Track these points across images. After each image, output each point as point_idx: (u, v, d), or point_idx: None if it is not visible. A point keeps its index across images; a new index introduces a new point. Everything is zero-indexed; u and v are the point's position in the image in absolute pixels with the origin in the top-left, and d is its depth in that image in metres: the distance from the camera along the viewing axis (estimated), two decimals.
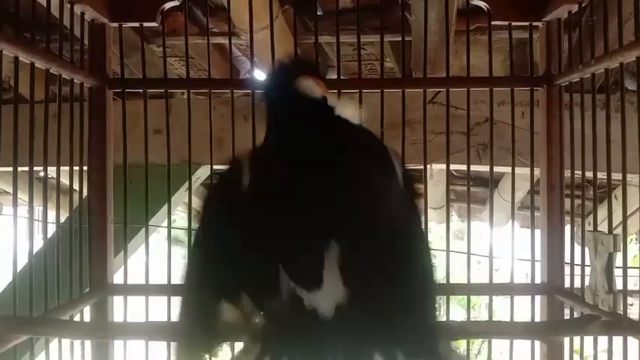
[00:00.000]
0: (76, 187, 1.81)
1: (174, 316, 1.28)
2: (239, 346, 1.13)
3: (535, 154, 1.87)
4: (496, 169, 1.96)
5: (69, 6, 1.68)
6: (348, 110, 1.21)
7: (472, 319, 2.03)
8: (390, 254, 1.07)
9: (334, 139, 1.16)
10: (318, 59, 1.99)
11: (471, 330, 1.44)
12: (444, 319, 1.72)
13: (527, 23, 1.87)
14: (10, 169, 1.49)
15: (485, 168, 1.97)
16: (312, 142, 1.14)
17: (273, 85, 1.27)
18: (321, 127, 1.18)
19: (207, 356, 1.16)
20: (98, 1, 1.77)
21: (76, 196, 1.82)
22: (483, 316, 1.83)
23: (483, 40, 1.91)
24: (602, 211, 1.69)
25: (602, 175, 1.58)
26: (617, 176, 1.53)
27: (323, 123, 1.18)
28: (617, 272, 1.53)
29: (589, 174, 1.62)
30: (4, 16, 1.49)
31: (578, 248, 1.73)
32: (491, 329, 1.48)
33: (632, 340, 1.44)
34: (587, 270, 1.62)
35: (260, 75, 3.14)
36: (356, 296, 1.02)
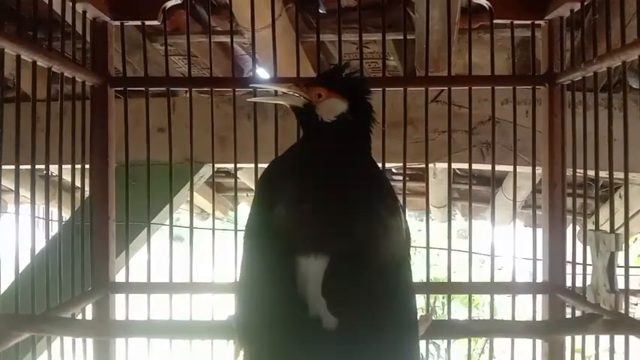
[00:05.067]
0: (78, 184, 1.81)
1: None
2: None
3: (537, 153, 1.87)
4: (500, 167, 1.95)
5: (70, 4, 1.69)
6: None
7: (474, 318, 2.02)
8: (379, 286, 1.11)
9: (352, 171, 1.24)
10: (320, 57, 1.98)
11: (472, 329, 1.44)
12: (445, 317, 1.73)
13: (529, 22, 1.87)
14: (13, 167, 1.50)
15: (489, 167, 1.96)
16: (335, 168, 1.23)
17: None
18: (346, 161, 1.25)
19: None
20: None
21: (78, 194, 1.82)
22: (486, 315, 1.82)
23: (487, 39, 1.91)
24: (604, 211, 1.69)
25: (604, 174, 1.58)
26: (619, 175, 1.53)
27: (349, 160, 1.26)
28: (619, 271, 1.53)
29: (591, 172, 1.62)
30: (6, 14, 1.49)
31: (579, 247, 1.72)
32: (492, 328, 1.48)
33: (633, 340, 1.44)
34: (589, 269, 1.62)
35: (263, 73, 3.14)
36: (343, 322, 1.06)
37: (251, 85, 1.44)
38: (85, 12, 1.75)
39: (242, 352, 1.13)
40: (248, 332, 1.12)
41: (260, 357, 1.09)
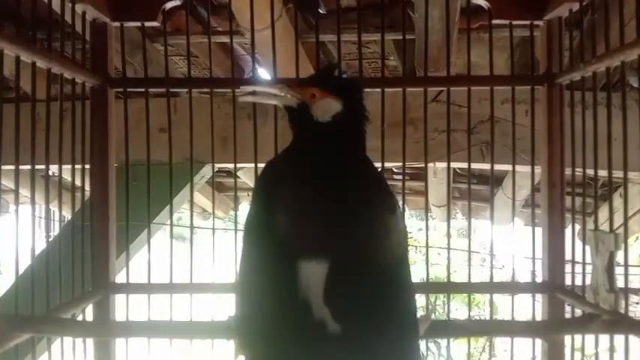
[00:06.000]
0: (79, 185, 1.81)
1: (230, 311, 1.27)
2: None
3: (537, 152, 1.87)
4: (500, 167, 1.95)
5: (70, 5, 1.69)
6: None
7: (475, 318, 2.02)
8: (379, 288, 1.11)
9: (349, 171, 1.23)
10: (319, 57, 1.99)
11: (471, 328, 1.44)
12: (445, 317, 1.73)
13: (528, 22, 1.86)
14: (13, 167, 1.50)
15: (489, 166, 1.96)
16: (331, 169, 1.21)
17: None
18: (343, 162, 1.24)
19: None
20: (99, 0, 1.78)
21: (78, 194, 1.83)
22: (487, 314, 1.83)
23: (487, 39, 1.90)
24: (605, 211, 1.68)
25: (603, 173, 1.57)
26: (618, 174, 1.53)
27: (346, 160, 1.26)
28: (619, 271, 1.53)
29: (590, 172, 1.62)
30: (6, 14, 1.50)
31: (579, 246, 1.72)
32: (491, 327, 1.48)
33: (633, 339, 1.44)
34: (589, 268, 1.62)
35: (264, 74, 3.14)
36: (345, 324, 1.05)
37: (242, 87, 1.43)
38: (84, 13, 1.76)
39: (242, 354, 1.13)
40: (248, 335, 1.12)
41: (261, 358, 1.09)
